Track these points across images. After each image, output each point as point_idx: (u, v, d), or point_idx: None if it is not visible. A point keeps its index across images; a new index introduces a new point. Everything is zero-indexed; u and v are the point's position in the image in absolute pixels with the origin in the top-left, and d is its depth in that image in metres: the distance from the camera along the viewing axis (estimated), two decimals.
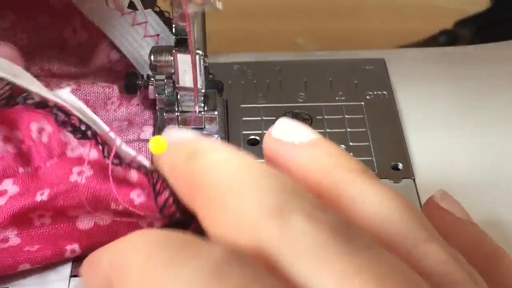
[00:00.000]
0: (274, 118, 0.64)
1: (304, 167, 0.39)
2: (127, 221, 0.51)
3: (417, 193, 0.59)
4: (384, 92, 0.67)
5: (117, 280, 0.33)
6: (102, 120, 0.58)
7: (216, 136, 0.61)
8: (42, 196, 0.50)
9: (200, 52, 0.57)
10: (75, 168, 0.50)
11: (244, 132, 0.63)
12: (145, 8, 0.56)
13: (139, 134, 0.62)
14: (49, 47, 0.67)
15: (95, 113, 0.53)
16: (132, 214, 0.48)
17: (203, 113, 0.60)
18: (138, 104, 0.64)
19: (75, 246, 0.51)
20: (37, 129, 0.52)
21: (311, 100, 0.66)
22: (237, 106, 0.65)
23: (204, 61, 0.57)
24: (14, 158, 0.52)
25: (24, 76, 0.46)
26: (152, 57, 0.60)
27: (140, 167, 0.46)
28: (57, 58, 0.65)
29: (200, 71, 0.57)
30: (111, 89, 0.62)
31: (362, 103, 0.66)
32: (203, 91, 0.59)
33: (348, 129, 0.63)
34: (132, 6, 0.56)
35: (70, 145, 0.51)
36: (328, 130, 0.63)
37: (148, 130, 0.62)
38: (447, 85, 0.68)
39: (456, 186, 0.59)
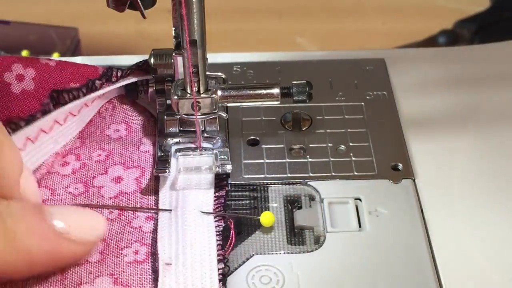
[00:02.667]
0: (274, 118, 0.65)
1: None
2: None
3: (417, 193, 0.59)
4: (384, 92, 0.67)
5: None
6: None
7: (217, 138, 0.61)
8: None
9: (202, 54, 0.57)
10: None
11: (244, 132, 0.63)
12: (145, 8, 0.56)
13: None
14: None
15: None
16: None
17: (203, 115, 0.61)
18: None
19: None
20: None
21: (311, 100, 0.66)
22: (237, 106, 0.65)
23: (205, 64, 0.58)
24: None
25: None
26: (152, 60, 0.60)
27: None
28: None
29: (204, 74, 0.57)
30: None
31: (362, 103, 0.66)
32: (203, 95, 0.59)
33: (348, 129, 0.63)
34: (132, 6, 0.56)
35: None
36: (328, 130, 0.63)
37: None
38: (447, 85, 0.68)
39: (456, 186, 0.59)
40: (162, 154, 0.60)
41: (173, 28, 0.58)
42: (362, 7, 0.89)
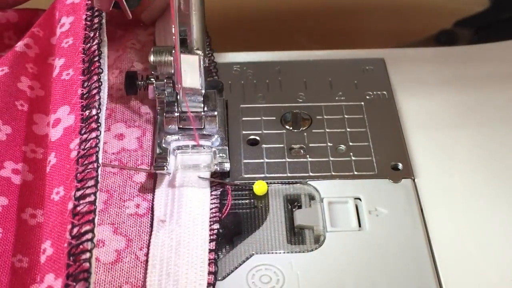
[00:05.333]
0: (274, 118, 0.65)
1: None
2: None
3: (417, 193, 0.59)
4: (384, 92, 0.67)
5: None
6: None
7: (216, 136, 0.61)
8: None
9: (199, 52, 0.57)
10: None
11: (244, 132, 0.63)
12: (130, 8, 0.56)
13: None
14: None
15: None
16: None
17: (203, 113, 0.61)
18: None
19: None
20: None
21: (311, 100, 0.66)
22: (237, 106, 0.65)
23: (204, 62, 0.58)
24: None
25: None
26: (152, 57, 0.60)
27: None
28: None
29: (200, 71, 0.57)
30: None
31: (362, 103, 0.66)
32: (203, 91, 0.59)
33: (348, 129, 0.63)
34: (117, 5, 0.56)
35: None
36: (328, 130, 0.63)
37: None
38: (447, 85, 0.68)
39: (456, 185, 0.59)
40: (161, 151, 0.60)
41: (173, 26, 0.58)
42: (362, 7, 0.89)
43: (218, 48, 0.69)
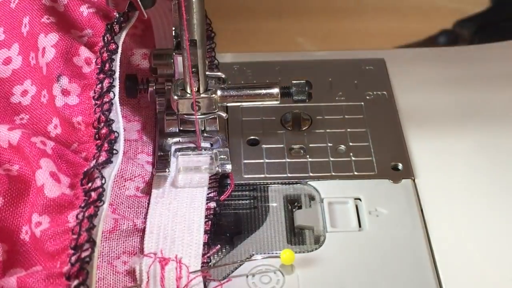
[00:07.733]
0: (274, 118, 0.65)
1: None
2: None
3: (417, 193, 0.59)
4: (384, 92, 0.67)
5: None
6: None
7: (216, 136, 0.61)
8: None
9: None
10: None
11: (244, 132, 0.64)
12: (145, 8, 0.56)
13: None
14: None
15: None
16: None
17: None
18: None
19: None
20: None
21: (311, 100, 0.66)
22: (237, 106, 0.65)
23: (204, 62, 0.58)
24: None
25: None
26: (152, 60, 0.60)
27: None
28: None
29: (203, 74, 0.57)
30: None
31: (362, 103, 0.66)
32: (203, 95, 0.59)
33: (348, 129, 0.64)
34: (132, 6, 0.56)
35: None
36: (328, 130, 0.63)
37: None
38: (447, 85, 0.68)
39: (456, 186, 0.60)
40: (162, 153, 0.60)
41: (173, 28, 0.58)
42: (362, 7, 0.89)
43: (218, 48, 0.69)
